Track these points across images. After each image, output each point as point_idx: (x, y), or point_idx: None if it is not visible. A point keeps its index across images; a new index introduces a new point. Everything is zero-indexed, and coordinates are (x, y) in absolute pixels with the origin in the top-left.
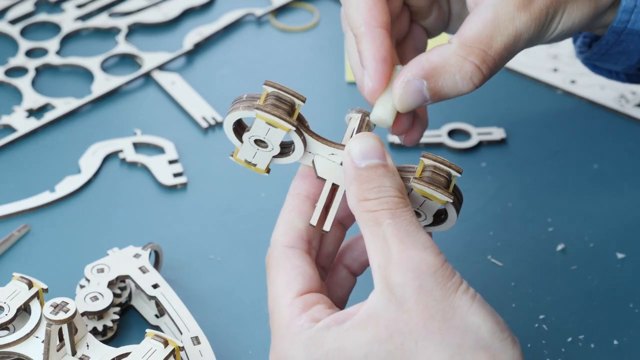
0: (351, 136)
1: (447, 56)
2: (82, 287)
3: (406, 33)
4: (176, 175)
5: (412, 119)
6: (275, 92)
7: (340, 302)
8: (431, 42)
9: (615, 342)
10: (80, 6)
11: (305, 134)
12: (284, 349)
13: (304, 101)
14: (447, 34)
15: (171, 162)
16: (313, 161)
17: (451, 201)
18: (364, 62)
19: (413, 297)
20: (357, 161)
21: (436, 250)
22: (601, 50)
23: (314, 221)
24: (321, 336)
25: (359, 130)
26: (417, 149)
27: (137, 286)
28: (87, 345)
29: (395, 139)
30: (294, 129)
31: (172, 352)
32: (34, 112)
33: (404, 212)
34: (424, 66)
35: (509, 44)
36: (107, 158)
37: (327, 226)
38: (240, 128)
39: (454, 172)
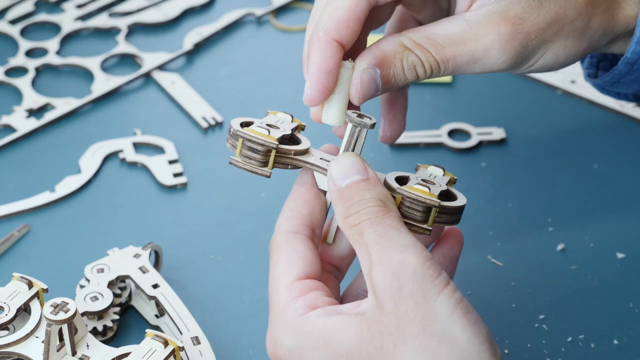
0: (344, 144)
1: (396, 45)
2: (82, 287)
3: (391, 21)
4: (176, 175)
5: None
6: (247, 143)
7: None
8: None
9: (615, 341)
10: (80, 6)
11: (292, 165)
12: (277, 331)
13: (276, 146)
14: None
15: (171, 162)
16: (313, 174)
17: (428, 234)
18: (310, 67)
19: (394, 300)
20: (338, 182)
21: (417, 249)
22: (613, 79)
23: (331, 239)
24: (310, 325)
25: (348, 143)
26: (416, 149)
27: (137, 286)
28: (87, 345)
29: (400, 140)
30: (269, 176)
31: (172, 352)
32: (34, 112)
33: (384, 218)
34: (375, 54)
35: (460, 59)
36: (107, 158)
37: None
38: (247, 125)
39: (431, 204)
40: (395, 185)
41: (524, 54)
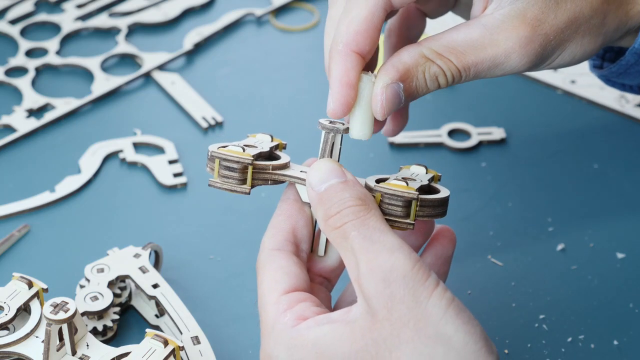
0: (320, 151)
1: (417, 56)
2: (82, 287)
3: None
4: (176, 175)
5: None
6: (223, 162)
7: None
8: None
9: (615, 342)
10: (80, 6)
11: (272, 180)
12: (269, 347)
13: (251, 162)
14: (455, 14)
15: (171, 162)
16: (297, 189)
17: (411, 229)
18: (331, 81)
19: (386, 307)
20: (316, 188)
21: (405, 252)
22: (620, 69)
23: (322, 252)
24: (302, 337)
25: (323, 151)
26: (416, 149)
27: (137, 286)
28: (87, 345)
29: (395, 139)
30: (248, 193)
31: (172, 352)
32: (34, 112)
33: (367, 219)
34: (398, 68)
35: (481, 65)
36: (107, 158)
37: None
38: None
39: (410, 197)
40: (373, 184)
41: (543, 55)
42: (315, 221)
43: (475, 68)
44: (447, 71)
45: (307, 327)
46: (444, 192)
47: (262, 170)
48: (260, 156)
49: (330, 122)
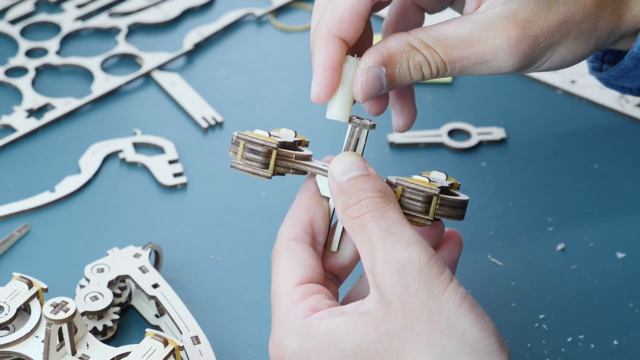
0: (345, 144)
1: (403, 44)
2: (82, 287)
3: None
4: (176, 175)
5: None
6: (248, 145)
7: None
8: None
9: (615, 342)
10: (80, 6)
11: (294, 169)
12: (280, 336)
13: (276, 147)
14: (454, 11)
15: (171, 162)
16: (316, 180)
17: (429, 225)
18: (314, 66)
19: (400, 299)
20: (338, 178)
21: (422, 246)
22: (619, 73)
23: (335, 247)
24: (314, 328)
25: (347, 144)
26: (416, 149)
27: (137, 286)
28: (87, 345)
29: (395, 139)
30: (270, 177)
31: (172, 352)
32: (34, 112)
33: (386, 211)
34: (382, 53)
35: (467, 60)
36: (107, 158)
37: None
38: None
39: (431, 192)
40: (395, 180)
41: (532, 57)
42: (332, 215)
43: (461, 62)
44: (431, 62)
45: (319, 318)
46: (463, 197)
47: (285, 158)
48: (284, 145)
49: (358, 117)
